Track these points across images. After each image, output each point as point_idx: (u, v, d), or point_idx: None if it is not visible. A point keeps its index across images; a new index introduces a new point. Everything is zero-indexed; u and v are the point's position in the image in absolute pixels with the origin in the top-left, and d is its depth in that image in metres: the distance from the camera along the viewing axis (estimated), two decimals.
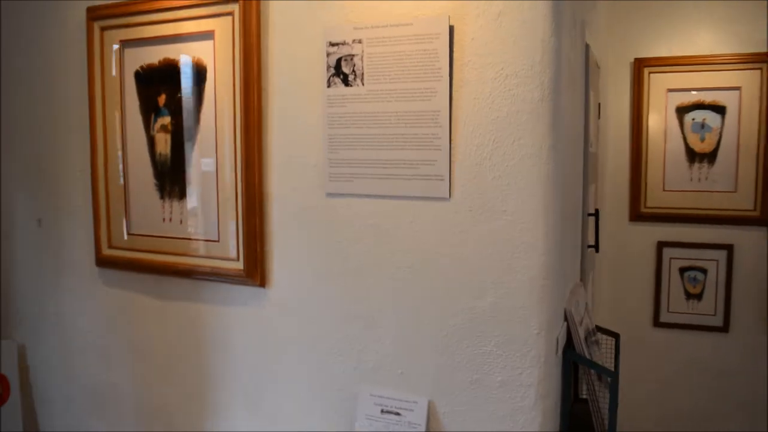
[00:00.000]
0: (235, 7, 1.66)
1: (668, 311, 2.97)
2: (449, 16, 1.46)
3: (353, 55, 1.54)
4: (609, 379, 1.57)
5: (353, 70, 1.54)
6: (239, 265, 1.72)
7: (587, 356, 1.62)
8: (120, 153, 1.90)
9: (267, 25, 1.66)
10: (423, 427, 1.55)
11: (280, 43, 1.65)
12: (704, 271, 2.88)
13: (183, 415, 1.90)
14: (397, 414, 1.57)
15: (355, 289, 1.62)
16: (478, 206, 1.48)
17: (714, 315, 2.89)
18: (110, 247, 1.95)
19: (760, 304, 2.82)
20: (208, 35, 1.72)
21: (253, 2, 1.64)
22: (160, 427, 1.94)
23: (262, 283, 1.71)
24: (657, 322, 2.97)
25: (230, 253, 1.74)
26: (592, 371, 1.63)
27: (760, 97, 2.63)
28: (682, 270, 2.92)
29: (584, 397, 1.80)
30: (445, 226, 1.51)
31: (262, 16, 1.66)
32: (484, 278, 1.48)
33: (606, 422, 1.58)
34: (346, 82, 1.55)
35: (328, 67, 1.57)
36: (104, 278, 2.00)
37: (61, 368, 2.13)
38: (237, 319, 1.78)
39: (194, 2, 1.72)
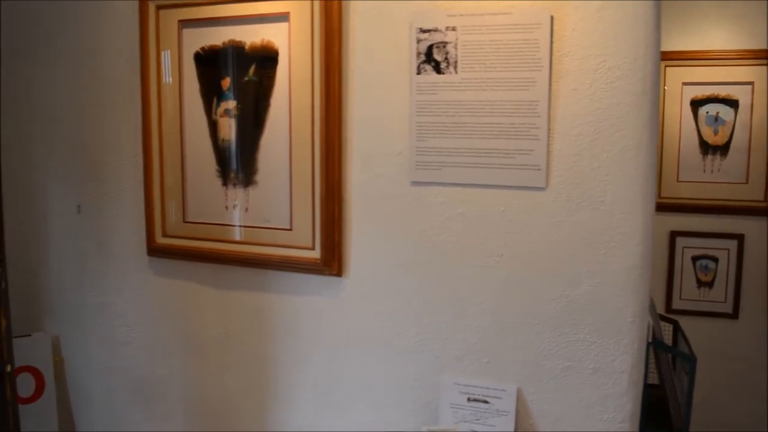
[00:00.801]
0: None
1: (680, 298, 3.11)
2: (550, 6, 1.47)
3: (446, 43, 1.55)
4: (688, 364, 1.64)
5: (446, 58, 1.56)
6: (315, 254, 1.71)
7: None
8: (178, 138, 1.85)
9: (348, 9, 1.65)
10: (512, 414, 1.58)
11: (363, 27, 1.66)
12: (716, 259, 3.02)
13: (241, 409, 1.89)
14: (485, 402, 1.60)
15: (441, 278, 1.64)
16: (575, 196, 1.51)
17: (724, 302, 3.04)
18: (165, 235, 1.90)
19: None
20: (281, 17, 1.70)
21: None
22: (215, 422, 1.92)
23: (339, 272, 1.71)
24: (669, 309, 3.10)
25: (305, 241, 1.73)
26: (664, 357, 1.70)
27: None
28: (695, 259, 3.06)
29: (651, 383, 1.88)
30: (539, 215, 1.54)
31: None
32: (579, 267, 1.53)
33: (682, 408, 1.66)
34: (437, 69, 1.56)
35: (418, 53, 1.58)
36: (155, 268, 1.95)
37: (101, 361, 2.07)
38: (309, 308, 1.79)
39: None
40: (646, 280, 1.51)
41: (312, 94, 1.67)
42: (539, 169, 1.52)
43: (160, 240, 1.90)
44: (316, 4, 1.64)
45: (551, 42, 1.50)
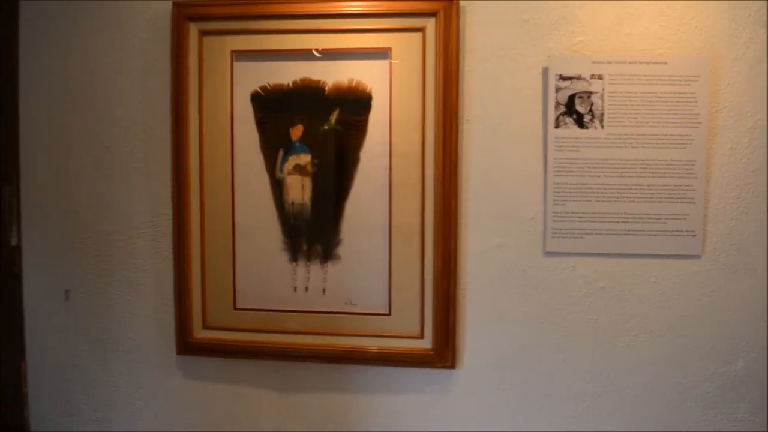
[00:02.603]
0: (428, 23, 1.42)
1: None
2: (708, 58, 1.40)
3: (591, 93, 1.41)
4: None
5: (590, 110, 1.42)
6: (424, 344, 1.47)
7: None
8: (228, 201, 1.50)
9: (464, 47, 1.45)
10: None
11: (484, 70, 1.47)
12: None
13: None
14: None
15: (578, 362, 1.50)
16: (731, 263, 1.45)
17: None
18: (206, 327, 1.52)
19: None
20: (379, 54, 1.45)
21: (454, 19, 1.40)
22: None
23: (453, 363, 1.47)
24: None
25: (410, 328, 1.48)
26: None
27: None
28: None
29: None
30: (693, 285, 1.45)
31: (461, 35, 1.43)
32: (736, 341, 1.46)
33: None
34: (580, 122, 1.42)
35: (557, 104, 1.42)
36: (188, 369, 1.58)
37: None
38: (408, 410, 1.55)
39: (360, 9, 1.46)
40: None
41: (422, 148, 1.43)
42: (695, 235, 1.42)
43: (200, 334, 1.52)
44: (429, 38, 1.41)
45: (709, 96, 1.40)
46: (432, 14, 1.41)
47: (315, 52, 1.44)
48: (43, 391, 1.61)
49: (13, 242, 0.97)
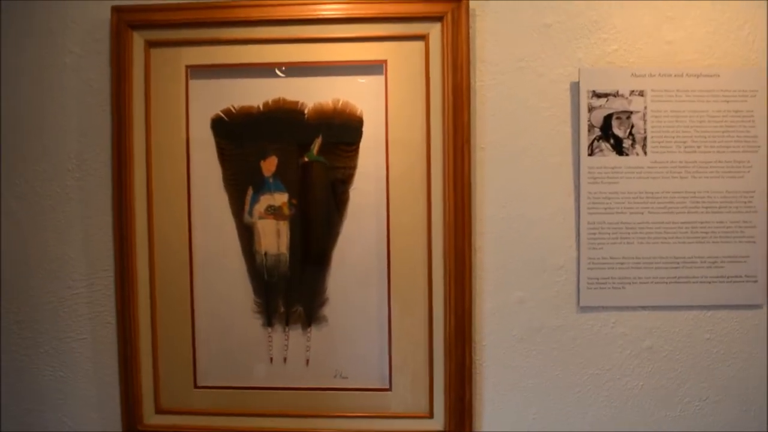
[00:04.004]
0: (432, 29, 1.19)
1: None
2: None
3: (631, 112, 1.20)
4: None
5: (630, 133, 1.20)
6: (435, 425, 1.25)
7: None
8: (185, 254, 1.23)
9: (475, 58, 1.22)
10: None
11: (503, 86, 1.26)
12: None
13: None
14: None
15: None
16: None
17: None
18: (159, 411, 1.25)
19: None
20: (370, 68, 1.22)
21: (463, 23, 1.17)
22: None
23: None
24: None
25: (416, 406, 1.25)
26: None
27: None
28: None
29: None
30: (754, 341, 1.27)
31: (471, 44, 1.20)
32: None
33: None
34: (618, 149, 1.20)
35: (591, 126, 1.20)
36: None
37: None
38: None
39: (346, 13, 1.23)
40: None
41: (427, 184, 1.20)
42: (756, 281, 1.23)
43: (152, 419, 1.25)
44: (434, 48, 1.18)
45: None
46: (437, 18, 1.17)
47: (278, 71, 1.18)
48: None
49: None
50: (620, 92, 1.21)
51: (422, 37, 1.20)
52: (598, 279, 1.23)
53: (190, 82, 1.23)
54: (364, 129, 1.23)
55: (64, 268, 1.29)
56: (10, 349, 1.32)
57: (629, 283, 1.23)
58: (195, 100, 1.24)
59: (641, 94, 1.21)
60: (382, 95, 1.22)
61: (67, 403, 1.32)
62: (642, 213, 1.22)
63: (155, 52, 1.23)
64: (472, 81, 1.22)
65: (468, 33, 1.20)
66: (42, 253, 1.28)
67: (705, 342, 1.26)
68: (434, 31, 1.19)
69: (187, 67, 1.23)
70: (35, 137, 1.28)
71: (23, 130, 1.28)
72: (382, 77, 1.21)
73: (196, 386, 1.27)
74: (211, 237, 1.25)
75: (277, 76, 1.23)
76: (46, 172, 1.29)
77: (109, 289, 1.27)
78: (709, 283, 1.24)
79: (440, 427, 1.24)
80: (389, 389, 1.25)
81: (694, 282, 1.24)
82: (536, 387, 1.26)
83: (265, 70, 1.23)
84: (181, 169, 1.24)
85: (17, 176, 1.28)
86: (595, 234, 1.22)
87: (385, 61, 1.21)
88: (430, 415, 1.25)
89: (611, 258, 1.23)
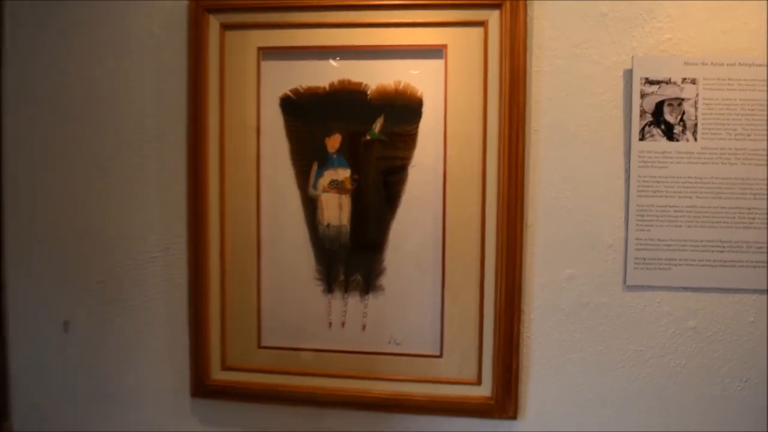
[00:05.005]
0: (491, 15, 1.28)
1: None
2: None
3: (682, 99, 1.27)
4: None
5: (681, 120, 1.27)
6: (483, 391, 1.34)
7: None
8: (253, 222, 1.36)
9: (532, 45, 1.31)
10: None
11: (558, 71, 1.34)
12: None
13: None
14: None
15: (663, 414, 1.37)
16: None
17: None
18: (226, 368, 1.39)
19: None
20: (431, 52, 1.32)
21: (521, 11, 1.26)
22: None
23: (515, 413, 1.33)
24: None
25: (465, 373, 1.34)
26: None
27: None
28: None
29: None
30: None
31: (528, 30, 1.29)
32: None
33: None
34: (669, 134, 1.27)
35: (643, 112, 1.28)
36: (204, 414, 1.44)
37: None
38: None
39: (406, 1, 1.33)
40: None
41: (483, 164, 1.29)
42: None
43: (219, 375, 1.38)
44: (493, 34, 1.27)
45: None
46: (496, 6, 1.27)
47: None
48: None
49: None
50: (672, 80, 1.29)
51: (481, 24, 1.30)
52: (645, 259, 1.32)
53: (262, 63, 1.36)
54: (424, 110, 1.33)
55: (142, 234, 1.44)
56: (89, 307, 1.47)
57: (675, 265, 1.32)
58: (266, 80, 1.36)
59: (693, 81, 1.28)
60: (441, 78, 1.32)
61: (143, 357, 1.47)
62: (690, 197, 1.30)
63: (230, 35, 1.36)
64: (528, 66, 1.31)
65: (525, 20, 1.29)
66: (122, 219, 1.44)
67: (749, 325, 1.33)
68: (493, 17, 1.29)
69: (259, 48, 1.36)
70: (118, 110, 1.43)
71: (103, 109, 1.42)
72: (442, 61, 1.32)
73: (259, 346, 1.41)
74: (278, 208, 1.38)
75: (342, 58, 1.34)
76: (125, 148, 1.43)
77: (183, 254, 1.42)
78: (755, 267, 1.31)
79: (488, 393, 1.35)
80: (440, 356, 1.36)
81: (740, 266, 1.31)
82: (581, 360, 1.35)
83: (331, 52, 1.35)
84: (251, 143, 1.37)
85: (98, 151, 1.43)
86: (643, 216, 1.31)
87: (445, 46, 1.31)
88: (478, 382, 1.35)
89: (659, 240, 1.31)
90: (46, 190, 1.44)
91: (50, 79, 1.43)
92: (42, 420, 1.48)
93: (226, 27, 1.35)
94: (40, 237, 1.45)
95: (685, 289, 1.32)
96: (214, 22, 1.35)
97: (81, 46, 1.43)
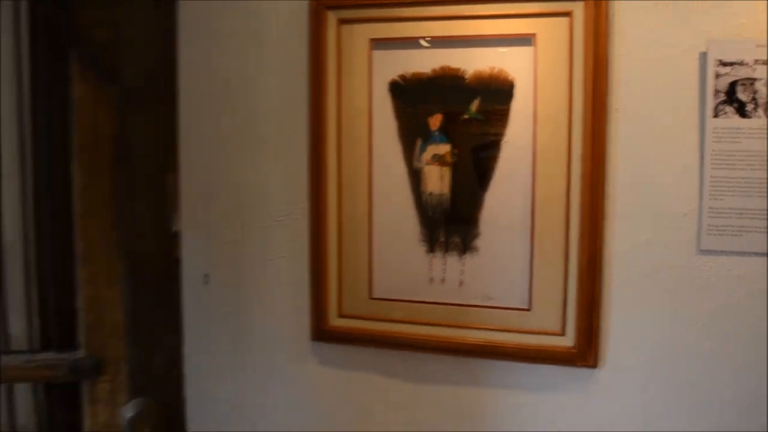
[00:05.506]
0: (576, 7, 1.45)
1: None
2: None
3: (754, 80, 1.41)
4: None
5: (753, 98, 1.41)
6: (566, 342, 1.53)
7: None
8: (365, 190, 1.60)
9: (613, 32, 1.47)
10: None
11: (637, 56, 1.49)
12: None
13: None
14: None
15: (732, 369, 1.51)
16: None
17: None
18: (341, 315, 1.64)
19: None
20: (522, 39, 1.51)
21: (604, 1, 1.43)
22: None
23: (594, 363, 1.52)
24: None
25: (551, 325, 1.54)
26: None
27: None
28: None
29: None
30: None
31: (610, 19, 1.45)
32: None
33: None
34: (742, 112, 1.42)
35: (716, 92, 1.43)
36: (322, 355, 1.70)
37: None
38: (543, 407, 1.62)
39: None
40: None
41: (568, 140, 1.48)
42: None
43: (336, 321, 1.64)
44: (577, 23, 1.45)
45: None
46: None
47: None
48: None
49: (174, 228, 1.12)
50: (745, 61, 1.44)
51: (567, 14, 1.49)
52: (717, 226, 1.48)
53: (373, 52, 1.60)
54: (515, 92, 1.53)
55: (268, 200, 1.71)
56: (226, 263, 1.77)
57: (747, 232, 1.47)
58: (376, 67, 1.60)
59: (765, 63, 1.43)
60: (530, 63, 1.51)
61: (270, 307, 1.75)
62: (761, 169, 1.45)
63: (345, 28, 1.60)
64: (609, 51, 1.49)
65: (607, 10, 1.47)
66: (253, 188, 1.72)
67: None
68: (578, 8, 1.47)
69: (370, 39, 1.59)
70: (248, 100, 1.70)
71: (238, 93, 1.71)
72: (531, 48, 1.51)
73: (370, 297, 1.66)
74: (386, 178, 1.62)
75: (443, 46, 1.56)
76: (255, 127, 1.71)
77: (305, 218, 1.68)
78: None
79: (571, 343, 1.55)
80: (529, 310, 1.57)
81: None
82: (657, 318, 1.52)
83: (433, 42, 1.57)
84: (364, 124, 1.61)
85: (234, 130, 1.72)
86: (716, 187, 1.47)
87: (534, 35, 1.51)
88: (562, 333, 1.55)
89: (730, 209, 1.47)
90: (193, 165, 1.74)
91: (197, 67, 1.71)
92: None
93: (342, 21, 1.59)
94: (189, 204, 1.75)
95: (756, 254, 1.47)
96: (332, 18, 1.59)
97: (217, 39, 1.71)
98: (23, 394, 1.17)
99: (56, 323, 1.10)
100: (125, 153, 1.05)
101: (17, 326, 1.15)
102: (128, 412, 1.07)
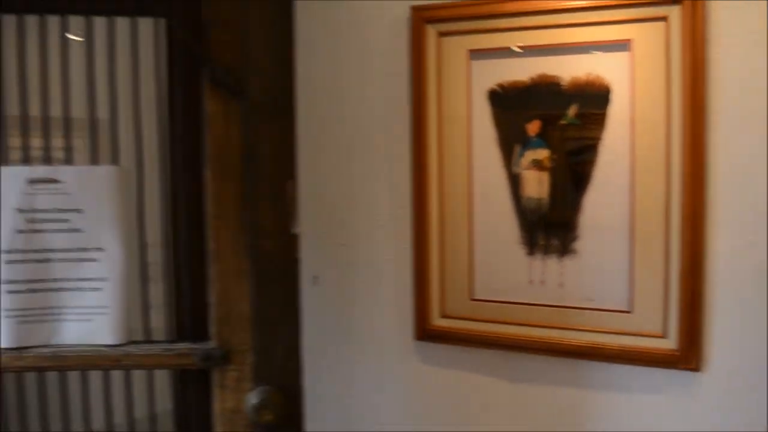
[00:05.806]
0: (672, 11, 1.46)
1: None
2: None
3: None
4: None
5: None
6: (668, 344, 1.54)
7: None
8: (465, 195, 1.67)
9: (710, 33, 1.48)
10: None
11: (735, 57, 1.49)
12: None
13: None
14: None
15: None
16: None
17: None
18: (444, 316, 1.72)
19: None
20: (617, 45, 1.53)
21: (700, 4, 1.43)
22: None
23: (697, 366, 1.52)
24: None
25: (652, 327, 1.55)
26: None
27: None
28: None
29: None
30: None
31: (706, 21, 1.46)
32: None
33: None
34: None
35: None
36: (425, 355, 1.79)
37: None
38: (645, 409, 1.63)
39: (594, 3, 1.54)
40: None
41: (666, 144, 1.50)
42: None
43: (438, 322, 1.72)
44: (674, 27, 1.47)
45: None
46: (676, 2, 1.47)
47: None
48: None
49: (294, 230, 1.26)
50: None
51: (663, 18, 1.51)
52: None
53: (471, 62, 1.68)
54: (612, 97, 1.57)
55: (373, 206, 1.82)
56: (334, 265, 1.89)
57: None
58: (475, 77, 1.68)
59: None
60: (626, 68, 1.54)
61: (375, 307, 1.86)
62: None
63: (444, 40, 1.69)
64: (707, 54, 1.51)
65: (704, 14, 1.48)
66: (359, 195, 1.83)
67: None
68: (674, 13, 1.49)
69: (468, 50, 1.68)
70: (353, 108, 1.82)
71: (344, 102, 1.84)
72: (627, 53, 1.54)
73: (471, 299, 1.74)
74: (486, 183, 1.69)
75: (539, 54, 1.62)
76: (361, 135, 1.82)
77: (407, 223, 1.78)
78: None
79: (673, 346, 1.56)
80: (630, 312, 1.61)
81: None
82: (763, 321, 1.51)
83: (530, 50, 1.63)
84: (463, 132, 1.69)
85: (341, 137, 1.84)
86: None
87: (630, 40, 1.55)
88: (664, 336, 1.57)
89: None
90: (307, 172, 1.87)
91: (303, 76, 1.84)
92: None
93: (441, 34, 1.68)
94: (302, 209, 1.88)
95: None
96: (431, 31, 1.69)
97: (323, 51, 1.84)
98: (162, 380, 1.33)
99: (190, 316, 1.24)
100: (251, 161, 1.18)
101: (157, 319, 1.30)
102: (253, 399, 1.19)
